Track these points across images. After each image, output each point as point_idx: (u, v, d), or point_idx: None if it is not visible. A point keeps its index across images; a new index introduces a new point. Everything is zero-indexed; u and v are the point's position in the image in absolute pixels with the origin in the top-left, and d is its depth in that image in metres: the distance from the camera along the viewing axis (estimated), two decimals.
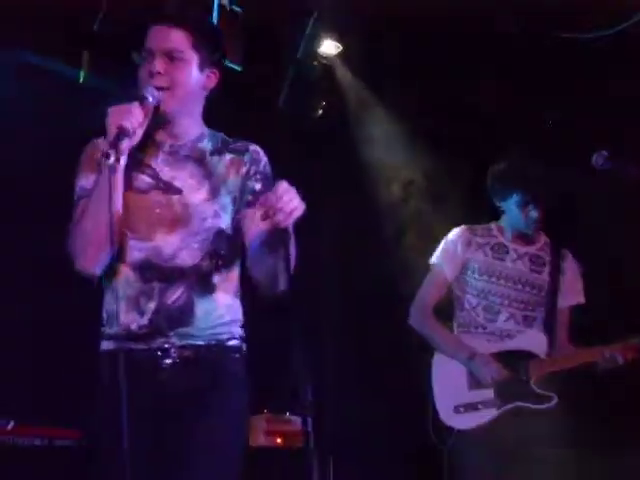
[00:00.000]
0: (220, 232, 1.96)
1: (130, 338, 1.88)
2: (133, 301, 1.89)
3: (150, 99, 1.87)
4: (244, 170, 2.00)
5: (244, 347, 2.01)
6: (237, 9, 3.82)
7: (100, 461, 1.91)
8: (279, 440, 3.76)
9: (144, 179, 1.96)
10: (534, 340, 2.92)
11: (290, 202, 1.67)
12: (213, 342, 1.93)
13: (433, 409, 2.88)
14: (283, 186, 1.69)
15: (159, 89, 1.90)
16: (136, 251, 1.90)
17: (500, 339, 2.91)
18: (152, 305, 1.88)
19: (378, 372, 3.76)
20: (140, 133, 1.86)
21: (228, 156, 2.02)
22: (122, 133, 1.76)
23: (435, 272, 3.03)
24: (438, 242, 3.10)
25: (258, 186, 1.98)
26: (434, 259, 3.05)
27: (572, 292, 3.04)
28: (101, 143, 1.91)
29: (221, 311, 1.95)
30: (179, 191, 1.95)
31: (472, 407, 2.82)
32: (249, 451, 2.08)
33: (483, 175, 3.12)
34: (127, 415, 1.68)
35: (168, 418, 1.86)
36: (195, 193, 1.95)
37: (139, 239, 1.91)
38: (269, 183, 1.95)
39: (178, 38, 1.93)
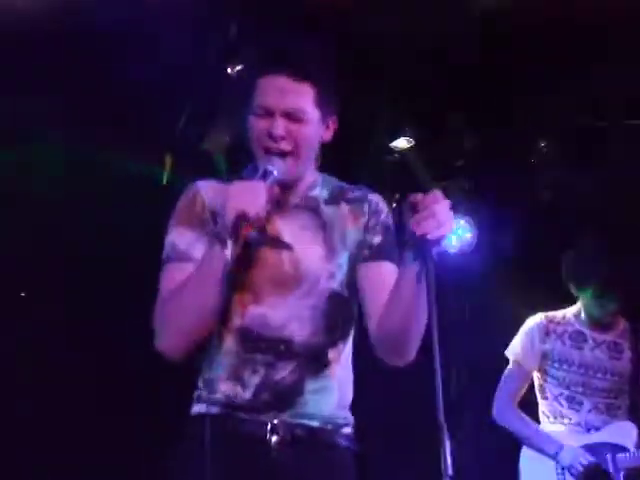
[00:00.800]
0: (334, 296, 1.70)
1: (234, 408, 1.66)
2: (234, 372, 1.67)
3: (275, 173, 1.61)
4: (363, 221, 1.74)
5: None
6: None
7: None
8: None
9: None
10: (622, 431, 2.90)
11: (445, 211, 1.43)
12: (329, 426, 1.70)
13: None
14: (439, 193, 1.45)
15: (282, 155, 1.63)
16: (237, 317, 1.67)
17: (587, 431, 2.91)
18: (256, 379, 1.66)
19: None
20: (263, 215, 1.58)
21: (346, 206, 1.76)
22: (244, 220, 1.50)
23: (515, 366, 3.05)
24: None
25: (377, 239, 1.73)
26: (513, 353, 3.07)
27: None
28: (204, 202, 1.71)
29: (336, 391, 1.71)
30: (289, 247, 1.68)
31: None
32: None
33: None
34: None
35: None
36: (308, 249, 1.70)
37: (241, 303, 1.66)
38: (389, 235, 1.74)
39: (304, 95, 1.64)
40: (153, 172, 4.30)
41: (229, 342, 1.67)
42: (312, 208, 1.74)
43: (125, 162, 4.19)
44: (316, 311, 1.68)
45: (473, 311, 4.76)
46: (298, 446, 1.66)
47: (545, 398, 3.06)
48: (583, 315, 3.08)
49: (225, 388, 1.67)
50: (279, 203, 1.71)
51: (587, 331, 3.06)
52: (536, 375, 3.09)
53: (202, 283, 1.59)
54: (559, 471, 2.87)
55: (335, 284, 1.70)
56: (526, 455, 2.98)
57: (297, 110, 1.63)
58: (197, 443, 1.64)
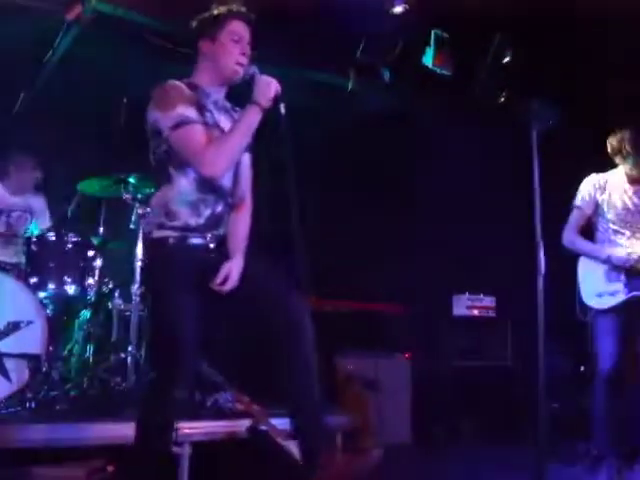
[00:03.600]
0: None
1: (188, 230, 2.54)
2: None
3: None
4: None
5: None
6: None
7: None
8: (476, 312, 5.80)
9: None
10: None
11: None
12: None
13: (579, 294, 3.97)
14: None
15: None
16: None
17: (628, 249, 3.86)
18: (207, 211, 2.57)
19: None
20: None
21: None
22: (277, 95, 2.49)
23: (577, 210, 4.04)
24: None
25: None
26: (577, 202, 4.04)
27: None
28: (183, 86, 2.53)
29: None
30: None
31: (607, 294, 3.84)
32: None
33: None
34: None
35: None
36: None
37: None
38: None
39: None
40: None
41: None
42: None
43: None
44: None
45: None
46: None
47: (597, 230, 4.03)
48: (623, 174, 4.00)
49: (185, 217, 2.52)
50: None
51: (626, 185, 3.98)
52: (593, 217, 4.03)
53: (247, 132, 2.50)
54: (608, 268, 3.87)
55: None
56: (584, 265, 4.01)
57: None
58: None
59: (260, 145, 2.74)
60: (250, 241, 2.72)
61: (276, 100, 2.48)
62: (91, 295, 4.22)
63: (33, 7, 4.52)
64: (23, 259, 4.15)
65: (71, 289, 4.12)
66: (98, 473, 3.34)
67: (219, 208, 2.59)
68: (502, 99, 5.65)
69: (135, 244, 4.37)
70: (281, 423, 3.53)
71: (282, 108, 2.49)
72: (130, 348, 4.24)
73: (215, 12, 2.62)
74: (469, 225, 5.75)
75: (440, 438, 5.27)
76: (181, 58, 5.06)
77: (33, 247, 4.08)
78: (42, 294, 3.98)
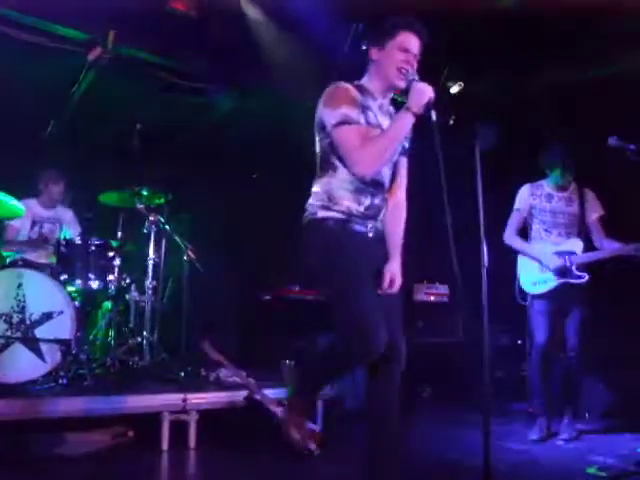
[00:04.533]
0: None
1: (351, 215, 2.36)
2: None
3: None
4: None
5: None
6: None
7: None
8: (432, 298, 5.75)
9: None
10: (574, 245, 3.92)
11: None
12: None
13: (518, 282, 4.06)
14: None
15: None
16: None
17: (555, 245, 3.95)
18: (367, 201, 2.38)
19: None
20: None
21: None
22: (430, 102, 2.24)
23: (515, 213, 4.11)
24: None
25: None
26: (515, 206, 4.12)
27: (594, 210, 3.99)
28: (352, 88, 2.36)
29: None
30: None
31: (540, 282, 3.95)
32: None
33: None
34: None
35: None
36: None
37: None
38: None
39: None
40: None
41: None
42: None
43: None
44: None
45: None
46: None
47: (531, 229, 4.09)
48: (551, 184, 4.06)
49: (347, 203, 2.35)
50: None
51: (553, 192, 4.05)
52: (527, 219, 4.10)
53: (397, 135, 2.29)
54: (541, 267, 3.95)
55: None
56: (522, 260, 4.08)
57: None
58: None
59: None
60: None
61: (428, 107, 2.24)
62: (112, 289, 4.21)
63: (61, 49, 4.50)
64: (54, 260, 4.14)
65: (95, 284, 4.10)
66: (121, 437, 3.34)
67: (377, 200, 2.40)
68: (451, 122, 5.70)
69: (148, 246, 4.38)
70: (272, 393, 3.57)
71: (434, 115, 2.23)
72: (145, 333, 4.24)
73: (387, 23, 2.42)
74: (428, 223, 5.78)
75: (404, 403, 5.28)
76: (187, 90, 5.10)
77: (62, 249, 4.08)
78: (71, 288, 3.96)
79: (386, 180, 2.45)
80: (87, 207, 4.69)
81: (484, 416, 2.27)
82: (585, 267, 3.89)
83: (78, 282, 4.03)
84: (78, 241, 4.15)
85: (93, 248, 4.13)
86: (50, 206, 4.70)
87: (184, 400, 3.41)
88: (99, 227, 4.52)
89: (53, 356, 3.58)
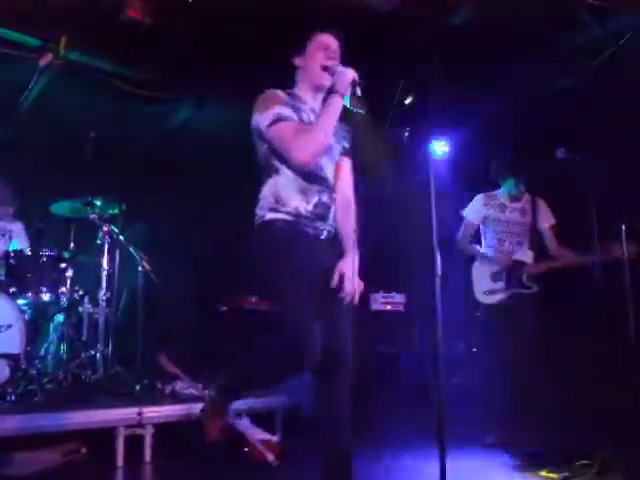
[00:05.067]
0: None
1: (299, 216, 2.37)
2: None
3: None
4: None
5: None
6: None
7: None
8: (389, 307, 5.81)
9: None
10: (525, 254, 3.99)
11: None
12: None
13: (472, 292, 4.09)
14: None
15: None
16: None
17: (508, 254, 4.00)
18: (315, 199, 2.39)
19: None
20: None
21: None
22: (354, 82, 2.31)
23: (468, 220, 4.14)
24: None
25: None
26: (467, 212, 4.15)
27: (546, 219, 4.08)
28: (280, 92, 2.40)
29: None
30: None
31: (492, 292, 4.00)
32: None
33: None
34: None
35: None
36: None
37: None
38: None
39: None
40: None
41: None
42: None
43: None
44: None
45: None
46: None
47: (485, 239, 4.15)
48: (505, 194, 4.13)
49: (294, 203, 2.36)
50: None
51: (507, 203, 4.13)
52: (480, 228, 4.17)
53: (331, 118, 2.31)
54: (493, 271, 4.04)
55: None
56: (475, 266, 4.15)
57: None
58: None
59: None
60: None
61: (354, 85, 2.31)
62: (64, 301, 4.11)
63: (11, 55, 4.39)
64: (2, 272, 4.01)
65: (46, 296, 3.99)
66: (73, 454, 3.25)
67: (324, 198, 2.42)
68: (406, 133, 5.83)
69: (101, 256, 4.30)
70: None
71: (358, 91, 2.30)
72: (99, 345, 4.15)
73: (302, 29, 2.51)
74: (384, 232, 5.85)
75: (363, 410, 5.33)
76: (142, 99, 5.04)
77: (12, 261, 3.96)
78: (21, 301, 3.85)
79: (329, 175, 2.46)
80: (38, 217, 4.57)
81: (438, 420, 2.31)
82: (536, 277, 3.97)
83: (28, 295, 3.92)
84: (28, 252, 4.04)
85: (44, 259, 4.03)
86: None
87: (139, 414, 3.35)
88: (51, 238, 4.41)
89: (1, 371, 3.46)
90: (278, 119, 2.31)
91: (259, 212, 2.41)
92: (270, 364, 2.34)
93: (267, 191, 2.39)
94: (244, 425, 3.38)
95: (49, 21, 4.24)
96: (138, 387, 3.86)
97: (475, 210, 4.15)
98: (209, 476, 3.19)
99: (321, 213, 2.41)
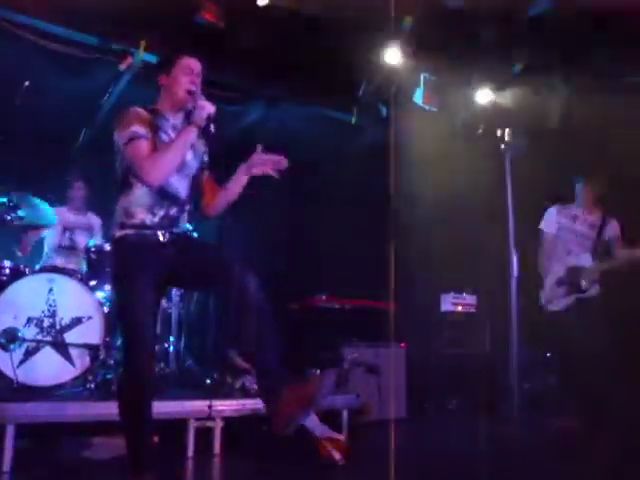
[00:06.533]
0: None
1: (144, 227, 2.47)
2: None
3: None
4: None
5: None
6: None
7: None
8: (459, 308, 5.81)
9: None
10: (584, 259, 4.02)
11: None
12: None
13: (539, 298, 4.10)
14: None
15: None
16: None
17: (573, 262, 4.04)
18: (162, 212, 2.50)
19: None
20: None
21: None
22: (209, 117, 2.44)
23: (547, 233, 4.15)
24: None
25: None
26: (543, 225, 4.18)
27: (614, 231, 4.10)
28: (141, 110, 2.47)
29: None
30: None
31: (555, 298, 4.02)
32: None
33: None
34: None
35: None
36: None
37: None
38: None
39: None
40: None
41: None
42: None
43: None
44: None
45: None
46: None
47: (556, 247, 4.11)
48: (578, 206, 4.15)
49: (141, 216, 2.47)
50: None
51: (579, 214, 4.13)
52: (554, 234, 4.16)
53: (182, 146, 2.44)
54: (555, 279, 4.04)
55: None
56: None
57: None
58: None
59: None
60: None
61: (209, 120, 2.44)
62: None
63: (92, 59, 4.58)
64: (84, 266, 4.20)
65: None
66: None
67: (173, 211, 2.54)
68: (480, 131, 5.70)
69: None
70: None
71: (212, 128, 2.45)
72: (171, 339, 4.26)
73: (170, 52, 2.64)
74: (454, 232, 5.74)
75: (430, 413, 5.26)
76: (220, 99, 5.14)
77: (92, 255, 4.13)
78: (100, 294, 4.01)
79: (182, 193, 2.57)
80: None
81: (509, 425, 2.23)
82: (597, 280, 3.96)
83: (107, 288, 4.08)
84: (107, 247, 4.20)
85: None
86: (80, 213, 4.76)
87: (210, 407, 3.42)
88: None
89: (82, 361, 3.62)
90: (135, 137, 2.41)
91: (112, 230, 2.54)
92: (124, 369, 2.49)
93: (119, 206, 2.52)
94: (311, 422, 3.38)
95: (129, 26, 4.40)
96: (209, 381, 3.93)
97: (550, 221, 4.18)
98: (275, 470, 3.22)
99: (166, 224, 2.52)
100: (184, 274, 2.49)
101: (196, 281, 2.56)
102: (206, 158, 2.71)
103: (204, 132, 2.47)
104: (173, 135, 2.53)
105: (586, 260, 4.02)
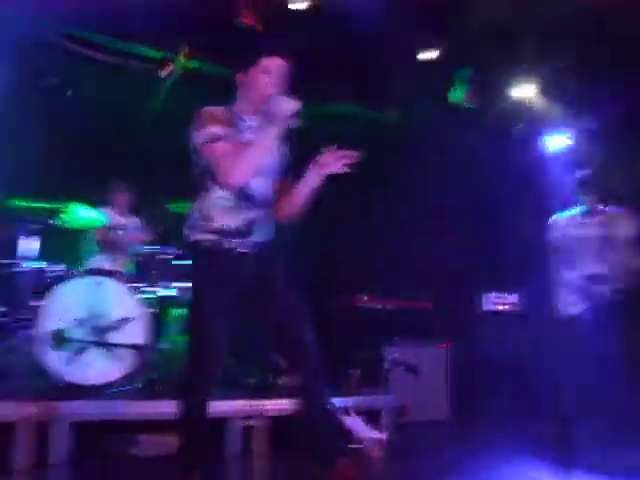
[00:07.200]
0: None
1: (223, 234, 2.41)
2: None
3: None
4: None
5: None
6: None
7: None
8: (501, 307, 5.69)
9: None
10: (597, 266, 3.81)
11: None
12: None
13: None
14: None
15: None
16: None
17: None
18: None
19: None
20: None
21: None
22: (291, 114, 2.32)
23: (554, 244, 3.99)
24: None
25: None
26: (550, 237, 4.01)
27: (625, 231, 3.85)
28: (218, 110, 2.40)
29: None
30: None
31: (572, 304, 3.83)
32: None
33: None
34: None
35: None
36: None
37: None
38: None
39: None
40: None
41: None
42: None
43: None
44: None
45: None
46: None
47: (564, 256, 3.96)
48: (579, 211, 3.98)
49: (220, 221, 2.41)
50: None
51: (582, 219, 3.96)
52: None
53: (262, 146, 2.34)
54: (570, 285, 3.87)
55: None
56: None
57: None
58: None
59: None
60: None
61: (290, 118, 2.33)
62: (183, 296, 4.32)
63: (135, 67, 4.69)
64: (129, 267, 4.30)
65: (168, 291, 4.23)
66: None
67: (252, 215, 2.45)
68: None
69: None
70: (338, 401, 3.56)
71: (292, 124, 2.33)
72: None
73: (251, 50, 2.51)
74: (495, 232, 5.67)
75: (471, 415, 5.20)
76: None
77: (140, 258, 4.24)
78: (146, 295, 4.10)
79: (262, 195, 2.48)
80: (159, 219, 4.82)
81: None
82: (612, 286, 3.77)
83: (152, 289, 4.16)
84: (155, 250, 4.31)
85: (168, 257, 4.26)
86: (124, 214, 4.87)
87: (253, 406, 3.45)
88: (174, 236, 4.64)
89: (128, 360, 3.71)
90: (213, 139, 2.34)
91: (187, 231, 2.48)
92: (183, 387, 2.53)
93: (196, 208, 2.46)
94: (352, 422, 3.39)
95: (168, 32, 4.49)
96: (252, 380, 3.98)
97: (556, 232, 4.03)
98: (318, 470, 3.23)
99: (245, 230, 2.44)
100: (255, 293, 2.46)
101: (259, 307, 2.51)
102: (286, 158, 2.59)
103: (285, 131, 2.36)
104: (251, 136, 2.41)
105: (597, 266, 3.81)
